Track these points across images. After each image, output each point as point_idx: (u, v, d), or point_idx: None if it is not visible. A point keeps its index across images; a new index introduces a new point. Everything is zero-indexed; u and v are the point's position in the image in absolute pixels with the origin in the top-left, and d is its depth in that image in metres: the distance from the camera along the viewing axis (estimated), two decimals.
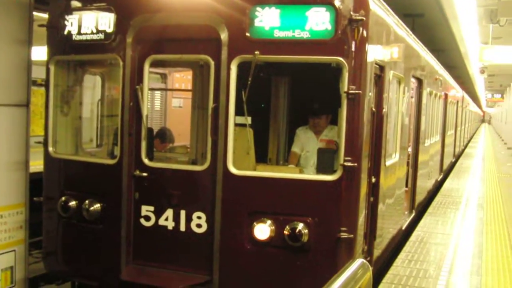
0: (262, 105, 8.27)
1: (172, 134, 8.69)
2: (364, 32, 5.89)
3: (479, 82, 43.10)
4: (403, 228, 9.54)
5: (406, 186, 10.27)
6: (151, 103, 10.20)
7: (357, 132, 5.98)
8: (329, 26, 5.81)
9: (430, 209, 12.35)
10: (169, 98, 11.20)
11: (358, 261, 4.25)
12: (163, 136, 8.54)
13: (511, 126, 36.01)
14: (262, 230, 6.04)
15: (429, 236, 9.74)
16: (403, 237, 9.62)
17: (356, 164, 5.92)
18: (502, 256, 8.76)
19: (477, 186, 16.95)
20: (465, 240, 9.67)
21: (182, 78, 11.13)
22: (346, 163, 5.89)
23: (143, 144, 6.49)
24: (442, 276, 7.48)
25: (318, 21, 5.83)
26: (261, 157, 7.57)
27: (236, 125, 6.27)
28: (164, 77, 10.14)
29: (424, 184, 12.71)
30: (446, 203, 13.42)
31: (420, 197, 11.80)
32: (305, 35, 5.87)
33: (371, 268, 4.43)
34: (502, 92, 53.00)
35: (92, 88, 8.11)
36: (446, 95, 17.05)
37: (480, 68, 22.24)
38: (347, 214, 6.01)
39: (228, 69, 6.08)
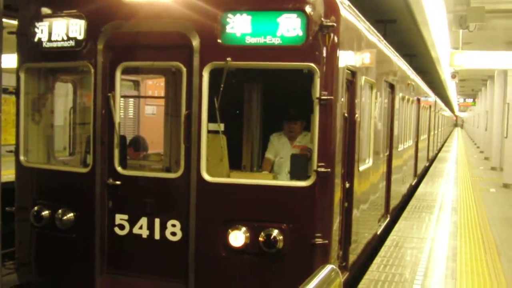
0: (238, 112, 8.25)
1: (146, 142, 8.63)
2: (335, 38, 5.91)
3: (451, 87, 43.53)
4: (378, 232, 9.58)
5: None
6: (124, 110, 10.12)
7: (330, 137, 5.99)
8: (300, 32, 5.84)
9: (405, 214, 12.48)
10: (142, 106, 11.12)
11: (328, 267, 4.23)
12: (136, 145, 8.48)
13: (483, 130, 36.42)
14: (237, 237, 6.02)
15: (404, 240, 9.82)
16: (378, 241, 9.66)
17: (329, 169, 5.93)
18: (476, 259, 8.87)
19: (451, 190, 17.18)
20: (440, 243, 9.77)
21: (155, 85, 11.05)
22: (319, 169, 5.90)
23: (116, 152, 6.43)
24: (417, 280, 7.53)
25: (290, 27, 5.85)
26: (235, 164, 7.56)
27: (209, 132, 6.26)
28: (136, 84, 10.07)
29: (399, 189, 12.80)
30: (420, 207, 13.62)
31: (394, 201, 11.87)
32: (276, 41, 5.88)
33: (340, 274, 4.41)
34: (474, 96, 53.70)
35: (65, 95, 8.01)
36: (418, 100, 17.20)
37: (451, 73, 22.47)
38: (322, 219, 6.01)
39: (200, 76, 6.06)
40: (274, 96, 7.88)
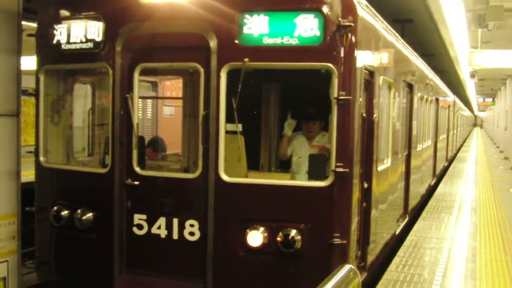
0: (255, 112, 8.24)
1: (164, 143, 8.67)
2: (353, 38, 5.90)
3: (470, 87, 43.20)
4: (397, 233, 9.53)
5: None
6: (143, 111, 10.18)
7: (348, 137, 5.97)
8: (317, 33, 5.83)
9: (423, 214, 12.38)
10: (160, 107, 11.17)
11: (346, 267, 4.23)
12: (155, 145, 8.52)
13: (503, 129, 36.07)
14: (255, 237, 6.01)
15: (423, 240, 9.74)
16: (397, 242, 9.61)
17: (347, 169, 5.91)
18: (496, 260, 8.78)
19: (470, 190, 17.03)
20: (459, 244, 9.68)
21: (173, 86, 11.09)
22: (337, 169, 5.89)
23: (134, 153, 6.46)
24: (436, 281, 7.48)
25: (307, 27, 5.84)
26: (253, 164, 7.57)
27: (227, 132, 6.26)
28: (154, 85, 10.11)
29: (417, 189, 12.72)
30: (439, 207, 13.47)
31: (413, 201, 11.80)
32: (294, 41, 5.88)
33: (359, 274, 4.41)
34: (493, 95, 53.21)
35: (84, 97, 8.07)
36: (437, 99, 17.09)
37: (470, 73, 22.27)
38: (340, 220, 5.99)
39: (218, 76, 6.07)
40: (292, 96, 7.87)
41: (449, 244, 9.62)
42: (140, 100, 8.37)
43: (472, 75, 22.27)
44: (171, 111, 11.53)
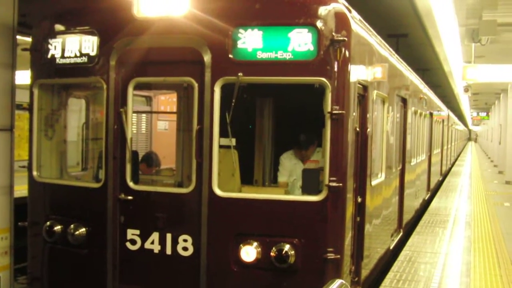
0: (250, 126, 8.24)
1: (158, 158, 8.66)
2: (347, 52, 5.90)
3: (464, 101, 43.34)
4: (391, 247, 9.50)
5: None
6: (137, 126, 10.15)
7: (342, 152, 5.96)
8: (311, 47, 5.83)
9: (418, 228, 12.38)
10: (154, 121, 11.16)
11: (338, 282, 4.26)
12: (149, 160, 8.51)
13: (497, 143, 36.13)
14: (249, 252, 5.98)
15: (417, 255, 9.73)
16: (391, 256, 9.59)
17: (341, 184, 5.90)
18: (490, 274, 8.82)
19: (464, 204, 17.04)
20: (453, 258, 9.67)
21: (167, 101, 11.08)
22: (331, 184, 5.87)
23: (128, 167, 6.44)
24: None
25: (301, 42, 5.85)
26: (247, 179, 7.55)
27: (220, 146, 6.24)
28: (149, 99, 10.11)
29: (412, 203, 12.71)
30: (434, 221, 13.46)
31: (407, 216, 11.78)
32: (288, 56, 5.88)
33: None
34: (487, 110, 53.32)
35: (78, 111, 8.06)
36: (431, 113, 17.11)
37: (464, 87, 22.31)
38: (334, 234, 5.97)
39: (212, 91, 6.06)
40: (286, 111, 7.87)
41: (444, 258, 9.61)
42: (134, 114, 8.37)
43: (466, 90, 22.30)
44: (165, 125, 11.51)
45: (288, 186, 7.40)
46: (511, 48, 18.82)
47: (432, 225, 12.97)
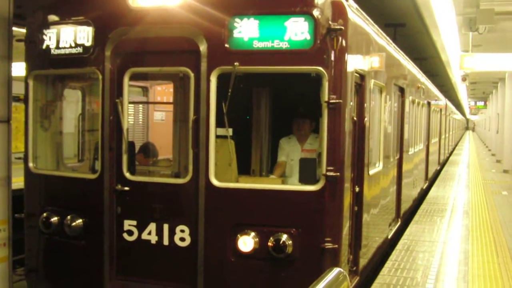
0: (247, 117, 8.16)
1: (155, 148, 8.58)
2: (343, 41, 5.85)
3: (461, 90, 43.25)
4: (389, 237, 9.47)
5: None
6: (133, 117, 10.07)
7: (339, 141, 5.91)
8: (308, 36, 5.78)
9: (416, 217, 12.34)
10: (151, 112, 11.07)
11: (336, 270, 4.19)
12: (146, 151, 8.44)
13: (494, 132, 36.08)
14: (246, 242, 5.95)
15: (416, 244, 9.71)
16: (389, 245, 9.55)
17: (338, 173, 5.86)
18: (488, 262, 8.78)
19: (462, 193, 17.01)
20: (451, 247, 9.65)
21: (164, 91, 10.99)
22: (328, 173, 5.83)
23: (124, 158, 6.39)
24: (428, 284, 7.47)
25: (297, 31, 5.79)
26: (245, 169, 7.49)
27: (217, 137, 6.20)
28: (145, 90, 10.02)
29: (410, 193, 12.67)
30: (432, 210, 13.41)
31: (405, 205, 11.74)
32: (284, 45, 5.82)
33: (348, 278, 4.36)
34: (485, 99, 53.24)
35: (75, 102, 7.98)
36: (429, 103, 17.05)
37: (461, 76, 22.25)
38: (331, 224, 5.93)
39: (208, 81, 6.01)
40: (283, 100, 7.80)
41: (442, 247, 9.59)
42: (131, 105, 8.29)
43: (464, 79, 22.30)
44: (162, 116, 11.41)
45: (286, 166, 7.33)
46: (509, 37, 18.72)
47: (430, 214, 12.94)
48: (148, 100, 10.48)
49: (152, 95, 10.42)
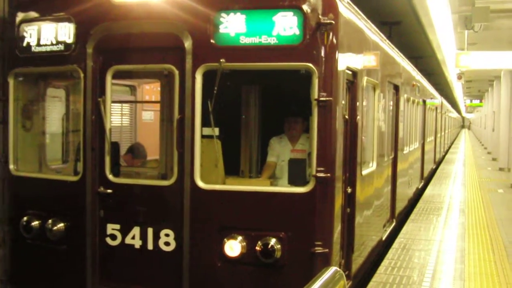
0: (243, 116, 7.78)
1: (144, 149, 8.24)
2: (334, 37, 5.55)
3: (457, 88, 43.03)
4: (383, 238, 9.12)
5: None
6: (121, 116, 9.71)
7: (330, 141, 5.60)
8: (297, 31, 5.49)
9: (412, 216, 12.29)
10: (139, 111, 10.69)
11: (332, 269, 4.05)
12: (135, 152, 8.11)
13: (490, 131, 35.89)
14: (233, 247, 5.65)
15: (412, 242, 9.64)
16: (383, 247, 9.22)
17: (329, 174, 5.54)
18: (485, 260, 8.72)
19: (458, 192, 17.00)
20: (448, 245, 9.60)
21: (152, 90, 10.60)
22: (318, 174, 5.51)
23: (107, 159, 6.07)
24: (425, 282, 7.38)
25: (286, 26, 5.51)
26: (234, 169, 7.17)
27: (203, 136, 5.89)
28: (133, 89, 9.65)
29: (404, 192, 12.31)
30: (428, 209, 13.32)
31: (400, 205, 11.41)
32: (272, 41, 5.54)
33: (344, 277, 4.17)
34: (481, 97, 53.03)
35: (59, 102, 7.63)
36: (424, 101, 16.73)
37: (457, 74, 21.98)
38: (322, 227, 5.61)
39: (193, 78, 5.72)
40: (273, 99, 7.44)
41: (438, 245, 9.52)
42: (118, 104, 7.97)
43: (459, 77, 21.99)
44: (151, 116, 11.02)
45: (276, 168, 7.00)
46: (504, 35, 18.67)
47: (426, 212, 12.83)
48: (136, 99, 10.10)
49: (140, 94, 10.03)
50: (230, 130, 7.13)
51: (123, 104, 9.77)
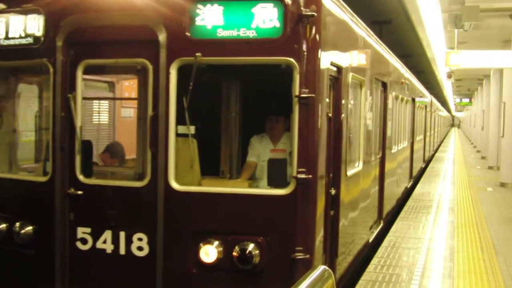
0: (224, 113, 7.31)
1: (122, 148, 7.76)
2: (317, 30, 5.13)
3: (447, 87, 42.85)
4: (370, 240, 8.68)
5: None
6: (98, 114, 9.22)
7: (311, 140, 5.17)
8: (277, 24, 5.07)
9: (402, 214, 12.22)
10: (118, 109, 10.18)
11: (321, 268, 3.85)
12: (113, 151, 7.64)
13: (480, 129, 35.71)
14: (209, 252, 5.22)
15: (401, 240, 9.54)
16: (371, 250, 8.79)
17: (311, 175, 5.11)
18: (474, 258, 8.65)
19: (448, 190, 17.00)
20: (437, 243, 9.53)
21: (132, 87, 10.11)
22: (299, 175, 5.08)
23: (77, 159, 5.61)
24: (414, 280, 7.29)
25: (265, 18, 5.09)
26: (214, 170, 6.72)
27: (178, 135, 5.44)
28: (111, 85, 9.16)
29: (393, 193, 11.87)
30: (417, 207, 13.18)
31: (388, 206, 10.98)
32: (251, 33, 5.12)
33: (333, 275, 3.88)
34: (470, 96, 52.88)
35: (33, 98, 7.13)
36: (413, 99, 16.32)
37: (447, 73, 21.79)
38: (303, 231, 5.19)
39: (167, 73, 5.28)
40: (256, 95, 6.98)
41: (427, 243, 9.43)
42: (95, 101, 7.50)
43: (449, 76, 21.84)
44: (130, 113, 10.50)
45: (256, 169, 6.56)
46: (494, 34, 18.73)
47: (415, 210, 12.69)
48: (114, 96, 9.60)
49: (120, 91, 9.51)
50: (211, 128, 6.70)
51: (101, 101, 9.27)
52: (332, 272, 3.86)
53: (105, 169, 6.94)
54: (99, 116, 9.19)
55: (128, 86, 9.80)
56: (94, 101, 8.81)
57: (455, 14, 15.65)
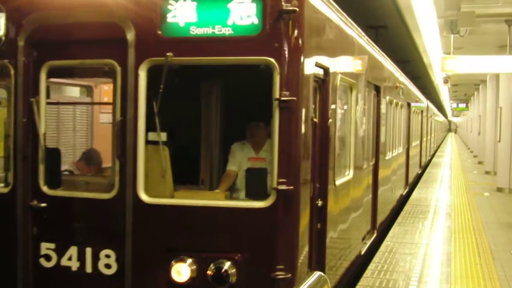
0: (203, 118, 6.69)
1: (99, 155, 7.18)
2: (299, 27, 4.58)
3: (443, 92, 42.43)
4: (363, 252, 8.05)
5: None
6: (73, 120, 8.63)
7: (293, 147, 4.62)
8: (255, 20, 4.55)
9: (399, 219, 11.91)
10: (96, 114, 9.58)
11: (316, 274, 3.77)
12: (89, 158, 7.07)
13: (476, 134, 35.26)
14: (181, 271, 4.66)
15: (398, 246, 9.44)
16: (363, 262, 8.20)
17: (292, 186, 4.55)
18: (471, 264, 8.58)
19: (445, 195, 16.89)
20: (434, 249, 9.43)
21: (111, 91, 9.51)
22: (280, 186, 4.51)
23: (41, 169, 5.04)
24: (411, 286, 7.20)
25: (243, 14, 4.57)
26: (195, 178, 6.14)
27: (148, 142, 4.87)
28: (89, 90, 8.58)
29: (387, 201, 11.24)
30: (414, 212, 12.99)
31: (382, 216, 10.36)
32: (227, 31, 4.60)
33: (329, 281, 3.60)
34: (467, 101, 52.45)
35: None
36: (409, 104, 15.73)
37: (443, 78, 21.38)
38: (284, 248, 4.62)
39: (136, 75, 4.74)
40: (237, 99, 6.41)
41: (424, 249, 9.34)
42: (71, 107, 6.93)
43: (445, 81, 21.42)
44: (109, 118, 9.91)
45: (237, 177, 6.00)
46: (490, 39, 18.59)
47: (412, 216, 12.53)
48: (92, 101, 8.99)
49: (98, 95, 8.92)
50: (191, 134, 6.11)
51: (77, 106, 8.67)
52: (327, 278, 3.84)
53: (78, 178, 6.38)
54: (74, 122, 8.60)
55: (108, 90, 9.20)
56: (70, 107, 8.25)
57: (451, 19, 15.35)
